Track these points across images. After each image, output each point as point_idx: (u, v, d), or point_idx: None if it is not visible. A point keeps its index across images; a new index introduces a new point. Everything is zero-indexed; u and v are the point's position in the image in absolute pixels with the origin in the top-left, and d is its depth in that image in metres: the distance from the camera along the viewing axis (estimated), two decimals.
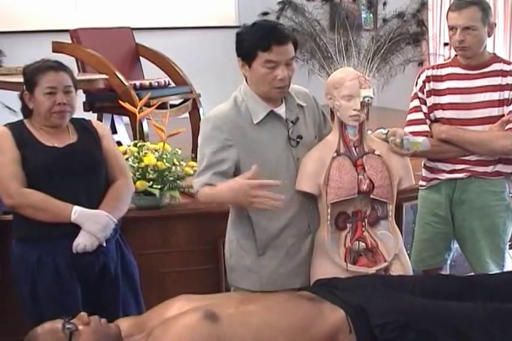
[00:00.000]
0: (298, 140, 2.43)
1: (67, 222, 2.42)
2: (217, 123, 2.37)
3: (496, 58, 2.80)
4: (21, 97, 2.54)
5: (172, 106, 4.85)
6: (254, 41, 2.29)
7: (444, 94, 2.79)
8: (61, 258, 2.45)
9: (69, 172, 2.46)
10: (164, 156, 3.19)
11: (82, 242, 2.42)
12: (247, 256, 2.48)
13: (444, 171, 2.84)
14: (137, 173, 3.10)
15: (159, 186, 3.12)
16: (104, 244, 2.49)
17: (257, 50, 2.28)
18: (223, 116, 2.38)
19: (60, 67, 2.50)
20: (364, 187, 2.42)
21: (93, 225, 2.43)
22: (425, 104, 2.83)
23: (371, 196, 2.44)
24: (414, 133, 2.68)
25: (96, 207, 2.48)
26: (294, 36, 2.38)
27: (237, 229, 2.51)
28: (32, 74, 2.48)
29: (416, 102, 2.85)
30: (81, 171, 2.48)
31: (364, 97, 2.38)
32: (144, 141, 3.56)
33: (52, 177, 2.44)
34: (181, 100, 4.98)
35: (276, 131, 2.41)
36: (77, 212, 2.42)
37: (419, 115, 2.83)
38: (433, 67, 2.88)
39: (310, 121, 2.51)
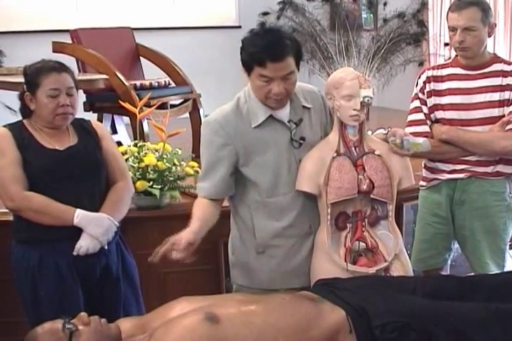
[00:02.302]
0: (300, 141, 2.43)
1: (70, 225, 2.42)
2: (215, 127, 2.38)
3: (496, 58, 2.79)
4: (21, 97, 2.52)
5: (172, 106, 4.85)
6: (251, 54, 2.27)
7: (445, 95, 2.78)
8: (63, 259, 2.44)
9: (70, 175, 2.46)
10: (164, 156, 3.18)
11: (85, 245, 2.42)
12: (248, 253, 2.49)
13: (444, 171, 2.84)
14: (137, 173, 3.10)
15: (159, 186, 3.12)
16: (106, 247, 2.49)
17: (253, 63, 2.27)
18: (222, 120, 2.38)
19: (62, 68, 2.48)
20: (364, 187, 2.42)
21: (95, 228, 2.42)
22: (426, 104, 2.82)
23: (371, 196, 2.44)
24: (415, 134, 2.68)
25: (97, 209, 2.48)
26: (295, 49, 2.30)
27: (238, 223, 2.52)
28: (34, 75, 2.46)
29: (416, 103, 2.85)
30: (82, 174, 2.47)
31: (364, 97, 2.38)
32: (144, 141, 3.56)
33: (54, 180, 2.43)
34: (181, 100, 4.99)
35: (277, 133, 2.41)
36: (79, 216, 2.42)
37: (420, 116, 2.83)
38: (433, 68, 2.87)
39: (316, 122, 2.50)
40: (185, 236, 2.26)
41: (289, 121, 2.42)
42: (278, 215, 2.44)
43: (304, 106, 2.46)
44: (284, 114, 2.42)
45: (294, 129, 2.42)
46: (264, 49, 2.24)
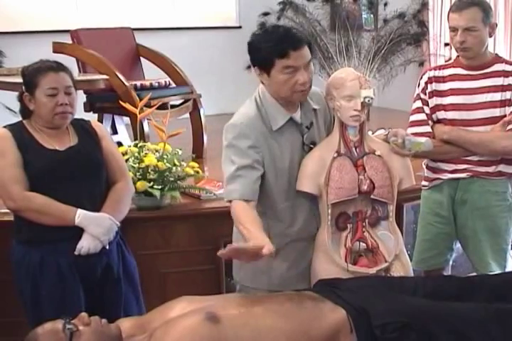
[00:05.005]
0: (311, 146, 2.43)
1: (71, 225, 2.41)
2: (243, 130, 2.35)
3: (497, 59, 2.80)
4: (20, 99, 2.53)
5: (173, 106, 4.85)
6: (270, 49, 2.27)
7: (447, 95, 2.78)
8: (64, 259, 2.45)
9: (71, 175, 2.46)
10: (165, 157, 3.18)
11: (86, 245, 2.42)
12: None
13: (446, 171, 2.84)
14: (138, 174, 3.10)
15: (160, 186, 3.12)
16: (107, 247, 2.49)
17: (274, 57, 2.27)
18: (248, 123, 2.37)
19: (59, 67, 2.49)
20: (364, 187, 2.42)
21: (96, 228, 2.43)
22: (427, 105, 2.82)
23: (372, 196, 2.44)
24: (417, 134, 2.69)
25: (98, 209, 2.48)
26: (307, 39, 2.37)
27: None
28: (32, 76, 2.46)
29: (418, 103, 2.85)
30: (82, 174, 2.48)
31: (364, 98, 2.38)
32: (145, 141, 3.56)
33: (54, 181, 2.44)
34: (182, 100, 4.98)
35: (292, 137, 2.42)
36: (80, 216, 2.42)
37: (422, 116, 2.83)
38: (435, 68, 2.88)
39: (322, 123, 2.51)
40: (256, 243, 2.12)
41: (300, 125, 2.42)
42: (291, 220, 2.45)
43: (313, 109, 2.47)
44: (298, 117, 2.43)
45: (306, 133, 2.43)
46: (283, 39, 2.27)
